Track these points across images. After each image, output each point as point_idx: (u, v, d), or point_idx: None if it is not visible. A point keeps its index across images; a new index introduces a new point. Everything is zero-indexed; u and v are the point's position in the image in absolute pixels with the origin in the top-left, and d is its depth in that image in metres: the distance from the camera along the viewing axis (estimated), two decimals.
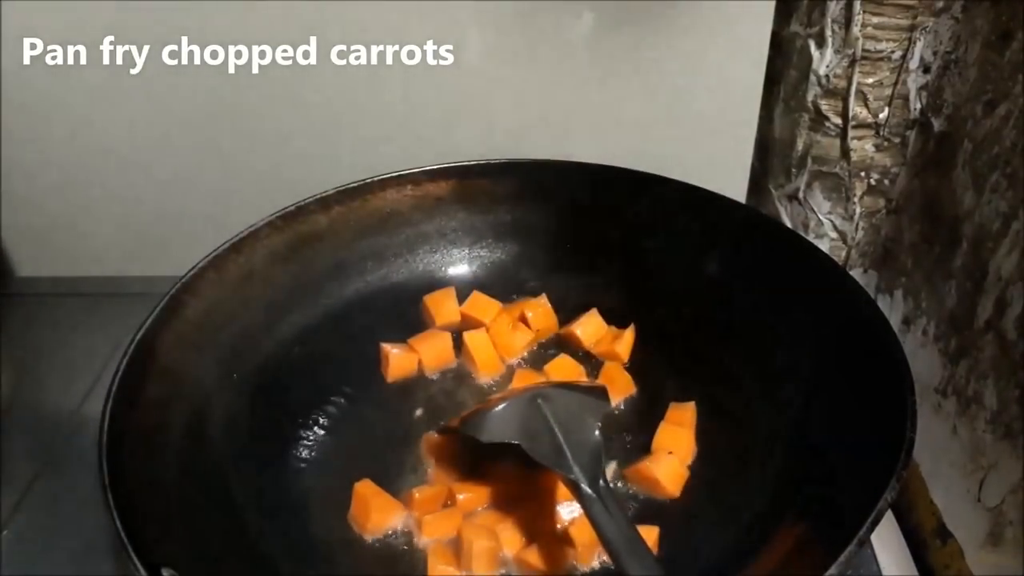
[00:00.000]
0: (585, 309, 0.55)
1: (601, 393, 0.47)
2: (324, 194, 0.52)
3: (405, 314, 0.55)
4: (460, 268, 0.57)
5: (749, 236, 0.52)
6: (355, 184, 0.53)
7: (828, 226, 0.60)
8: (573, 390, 0.46)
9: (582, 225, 0.56)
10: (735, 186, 0.63)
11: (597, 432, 0.42)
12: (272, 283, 0.51)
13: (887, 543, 0.48)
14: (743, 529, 0.42)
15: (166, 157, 0.62)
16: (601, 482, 0.39)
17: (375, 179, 0.54)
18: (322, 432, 0.49)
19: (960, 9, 0.49)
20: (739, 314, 0.51)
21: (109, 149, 0.61)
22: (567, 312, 0.56)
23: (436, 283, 0.56)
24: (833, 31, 0.54)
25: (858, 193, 0.58)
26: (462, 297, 0.56)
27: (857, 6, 0.52)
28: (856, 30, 0.52)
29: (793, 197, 0.61)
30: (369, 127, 0.61)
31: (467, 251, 0.57)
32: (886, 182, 0.57)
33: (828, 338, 0.46)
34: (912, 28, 0.52)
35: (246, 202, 0.59)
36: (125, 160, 0.62)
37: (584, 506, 0.39)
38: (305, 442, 0.48)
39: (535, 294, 0.56)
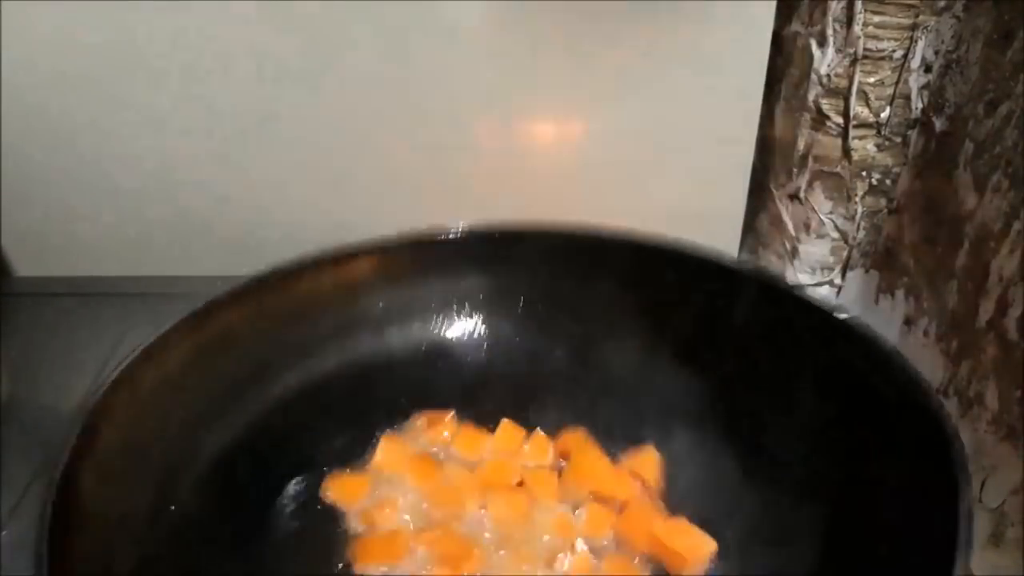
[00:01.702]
0: (544, 384, 0.51)
1: None
2: (234, 288, 0.48)
3: (334, 410, 0.50)
4: (394, 349, 0.52)
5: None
6: (266, 273, 0.49)
7: (829, 226, 0.60)
8: None
9: (530, 290, 0.53)
10: (736, 186, 0.63)
11: None
12: (191, 391, 0.46)
13: None
14: None
15: (166, 157, 0.61)
16: None
17: (287, 265, 0.49)
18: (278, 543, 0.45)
19: (962, 8, 0.49)
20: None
21: (109, 149, 0.61)
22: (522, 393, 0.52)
23: (370, 370, 0.52)
24: (834, 30, 0.54)
25: (859, 193, 0.58)
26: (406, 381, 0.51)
27: (858, 5, 0.51)
28: (857, 29, 0.52)
29: (794, 197, 0.61)
30: (371, 131, 0.61)
31: (397, 330, 0.53)
32: (887, 182, 0.57)
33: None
34: (914, 27, 0.51)
35: (247, 202, 0.60)
36: (125, 160, 0.62)
37: None
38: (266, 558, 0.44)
39: (482, 370, 0.52)
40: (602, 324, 0.52)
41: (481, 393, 0.52)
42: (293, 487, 0.47)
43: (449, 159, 0.61)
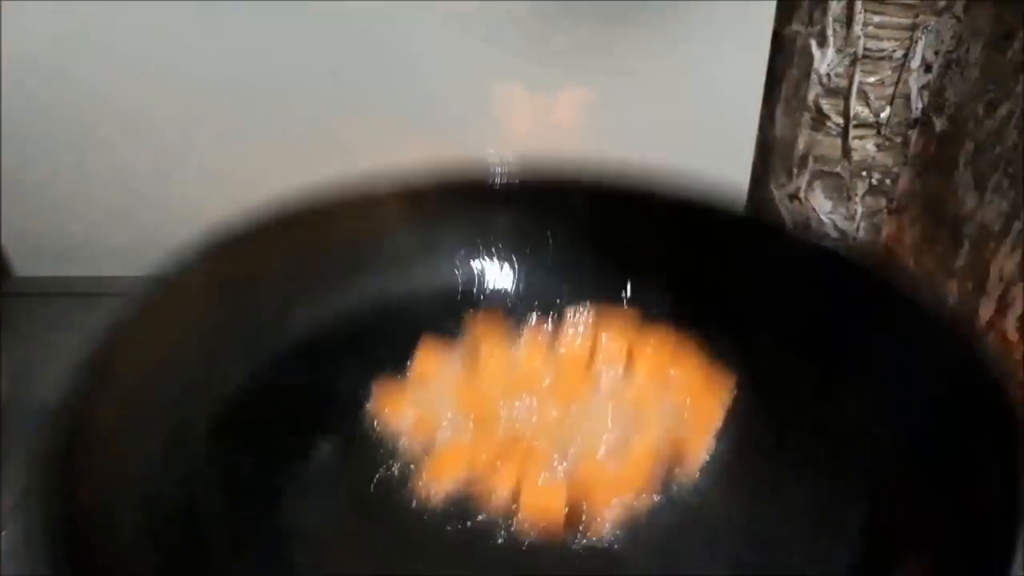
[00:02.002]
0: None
1: None
2: (259, 219, 0.47)
3: (363, 349, 0.48)
4: (419, 287, 0.51)
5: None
6: (291, 206, 0.48)
7: (829, 226, 0.60)
8: None
9: (561, 235, 0.52)
10: (736, 186, 0.63)
11: None
12: (209, 327, 0.43)
13: None
14: None
15: (166, 157, 0.61)
16: None
17: (314, 198, 0.49)
18: (309, 480, 0.42)
19: (962, 8, 0.49)
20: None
21: (109, 149, 0.61)
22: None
23: (395, 308, 0.50)
24: (834, 30, 0.54)
25: (859, 193, 0.58)
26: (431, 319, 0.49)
27: (858, 5, 0.51)
28: (857, 29, 0.52)
29: (794, 197, 0.61)
30: (369, 127, 0.61)
31: (424, 268, 0.51)
32: (887, 182, 0.57)
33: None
34: (914, 27, 0.51)
35: (247, 203, 0.59)
36: (125, 160, 0.62)
37: None
38: (285, 510, 0.41)
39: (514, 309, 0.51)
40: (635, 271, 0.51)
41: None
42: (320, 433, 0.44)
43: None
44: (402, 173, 0.50)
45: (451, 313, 0.50)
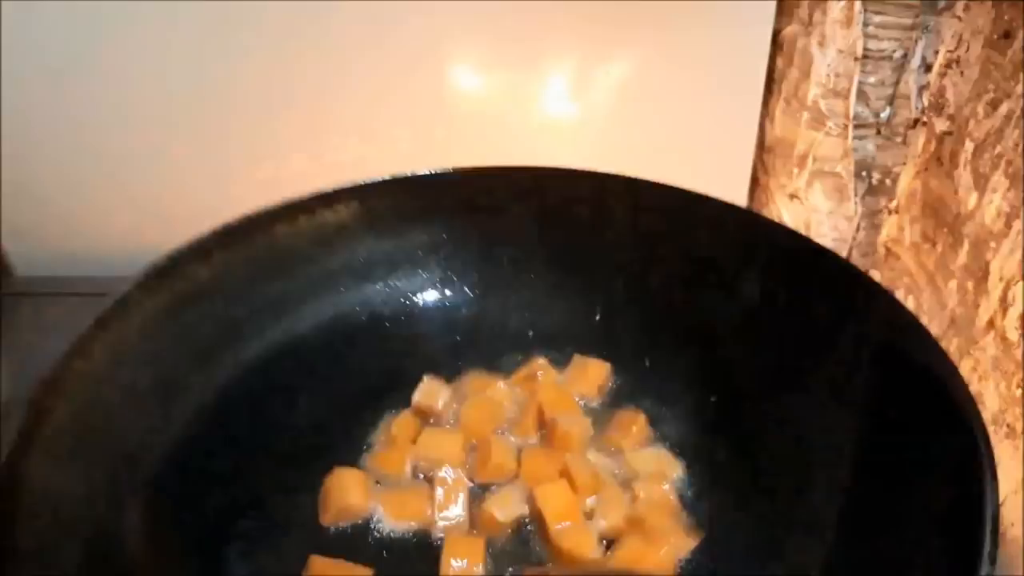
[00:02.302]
0: (526, 332, 0.48)
1: None
2: (200, 239, 0.43)
3: (317, 372, 0.45)
4: (376, 304, 0.48)
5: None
6: (236, 222, 0.44)
7: (829, 226, 0.60)
8: None
9: (516, 235, 0.49)
10: (736, 186, 0.63)
11: None
12: (152, 361, 0.40)
13: None
14: None
15: (166, 157, 0.61)
16: None
17: (259, 213, 0.44)
18: (254, 525, 0.40)
19: (962, 8, 0.49)
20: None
21: (108, 149, 0.61)
22: (506, 338, 0.49)
23: (350, 328, 0.47)
24: (834, 30, 0.54)
25: (859, 193, 0.58)
26: (390, 341, 0.47)
27: (858, 5, 0.51)
28: (858, 29, 0.52)
29: (794, 197, 0.61)
30: (364, 129, 0.61)
31: (381, 284, 0.48)
32: (887, 182, 0.57)
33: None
34: (914, 27, 0.51)
35: (247, 203, 0.59)
36: (124, 160, 0.62)
37: None
38: (237, 543, 0.39)
39: (472, 323, 0.49)
40: (597, 274, 0.49)
41: (470, 348, 0.48)
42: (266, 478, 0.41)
43: (448, 161, 0.61)
44: (360, 186, 0.47)
45: (414, 335, 0.48)
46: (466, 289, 0.49)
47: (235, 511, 0.40)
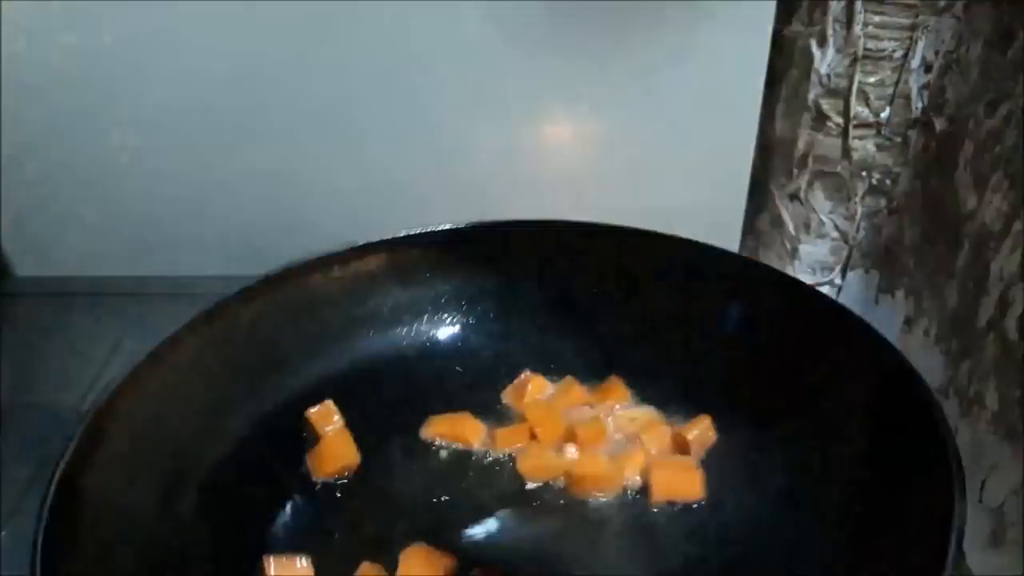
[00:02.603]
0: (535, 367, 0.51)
1: None
2: (244, 286, 0.48)
3: (351, 404, 0.49)
4: (403, 347, 0.52)
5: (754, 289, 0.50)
6: (276, 271, 0.49)
7: (829, 226, 0.60)
8: None
9: (533, 285, 0.53)
10: (736, 186, 0.63)
11: None
12: (198, 393, 0.45)
13: None
14: None
15: (166, 157, 0.62)
16: None
17: (297, 263, 0.49)
18: (284, 535, 0.44)
19: (962, 8, 0.49)
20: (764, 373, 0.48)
21: (109, 149, 0.61)
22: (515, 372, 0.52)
23: (378, 366, 0.51)
24: (834, 30, 0.54)
25: (859, 193, 0.58)
26: (414, 378, 0.51)
27: (859, 5, 0.51)
28: (858, 29, 0.52)
29: (794, 197, 0.61)
30: (368, 131, 0.61)
31: (407, 328, 0.53)
32: (887, 182, 0.57)
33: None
34: (914, 27, 0.51)
35: (247, 202, 0.60)
36: (125, 160, 0.62)
37: None
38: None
39: (490, 363, 0.52)
40: (615, 319, 0.52)
41: (491, 391, 0.51)
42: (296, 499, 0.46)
43: (449, 160, 0.61)
44: (388, 240, 0.51)
45: (438, 374, 0.52)
46: (486, 332, 0.53)
47: (274, 519, 0.44)
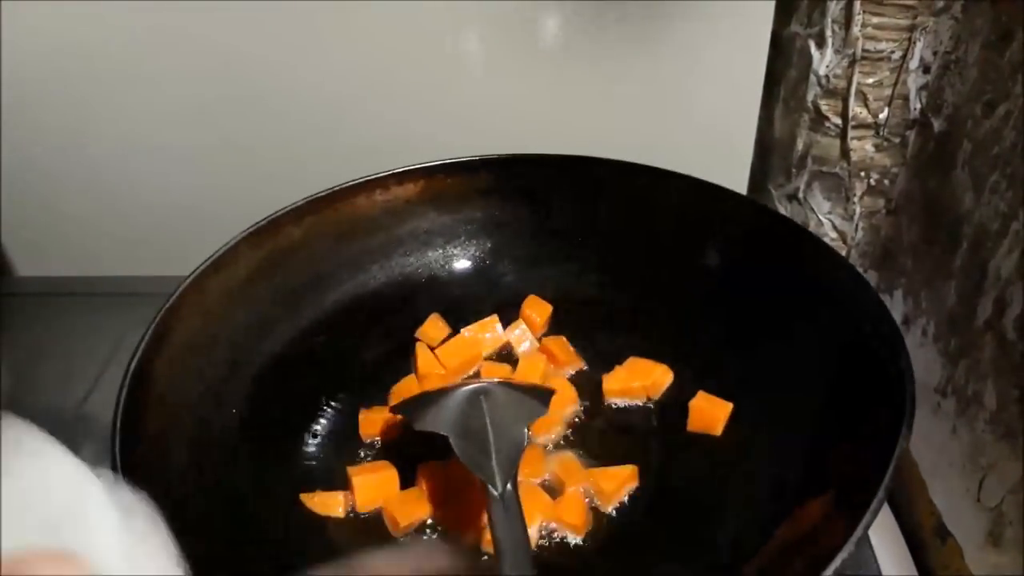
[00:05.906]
0: (563, 297, 0.56)
1: (544, 397, 0.47)
2: (295, 205, 0.52)
3: (384, 320, 0.55)
4: (436, 268, 0.57)
5: (746, 226, 0.53)
6: (324, 193, 0.53)
7: (828, 226, 0.60)
8: (517, 390, 0.46)
9: (558, 216, 0.57)
10: (735, 186, 0.63)
11: (524, 434, 0.43)
12: (253, 299, 0.50)
13: (887, 543, 0.48)
14: (776, 494, 0.43)
15: (166, 157, 0.62)
16: (509, 485, 0.40)
17: (343, 186, 0.53)
18: (318, 440, 0.50)
19: (960, 9, 0.49)
20: (740, 304, 0.51)
21: (109, 149, 0.61)
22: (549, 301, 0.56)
23: (413, 286, 0.56)
24: (833, 31, 0.54)
25: (858, 193, 0.58)
26: (444, 296, 0.56)
27: (857, 6, 0.52)
28: (856, 30, 0.52)
29: (793, 197, 0.61)
30: (367, 126, 0.61)
31: (441, 251, 0.57)
32: (886, 182, 0.57)
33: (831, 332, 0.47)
34: (912, 28, 0.52)
35: (247, 202, 0.60)
36: (125, 161, 0.62)
37: (488, 505, 0.40)
38: (307, 452, 0.49)
39: (513, 288, 0.57)
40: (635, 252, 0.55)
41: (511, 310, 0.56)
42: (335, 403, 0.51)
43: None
44: (426, 167, 0.55)
45: (460, 293, 0.57)
46: (512, 257, 0.58)
47: (303, 421, 0.50)
